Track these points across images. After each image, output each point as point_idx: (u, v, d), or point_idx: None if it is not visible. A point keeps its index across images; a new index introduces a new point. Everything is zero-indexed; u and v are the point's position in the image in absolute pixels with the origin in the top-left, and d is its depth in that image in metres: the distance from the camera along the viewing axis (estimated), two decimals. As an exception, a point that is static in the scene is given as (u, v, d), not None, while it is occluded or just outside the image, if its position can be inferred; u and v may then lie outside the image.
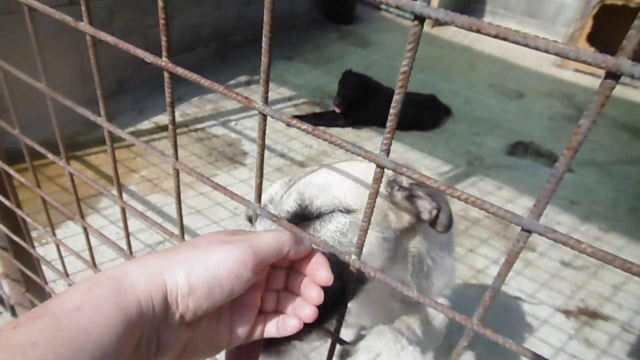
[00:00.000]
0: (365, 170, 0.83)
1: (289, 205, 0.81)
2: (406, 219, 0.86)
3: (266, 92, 0.46)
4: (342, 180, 0.83)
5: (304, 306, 0.57)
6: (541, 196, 0.36)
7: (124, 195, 2.74)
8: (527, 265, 2.72)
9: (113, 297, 0.44)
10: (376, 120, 3.78)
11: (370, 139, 3.74)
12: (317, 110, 3.98)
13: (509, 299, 2.48)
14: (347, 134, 3.73)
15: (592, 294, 2.59)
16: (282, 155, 3.36)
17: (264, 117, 0.48)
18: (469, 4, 6.64)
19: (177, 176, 0.63)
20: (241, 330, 0.56)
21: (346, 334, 1.23)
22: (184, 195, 2.81)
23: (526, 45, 0.31)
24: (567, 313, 2.45)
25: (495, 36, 0.31)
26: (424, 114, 3.91)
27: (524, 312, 2.42)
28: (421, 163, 3.52)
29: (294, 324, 0.56)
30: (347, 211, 0.79)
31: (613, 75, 0.30)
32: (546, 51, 0.31)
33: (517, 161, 3.72)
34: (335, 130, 3.73)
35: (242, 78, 4.24)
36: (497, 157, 3.74)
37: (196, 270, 0.49)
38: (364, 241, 0.50)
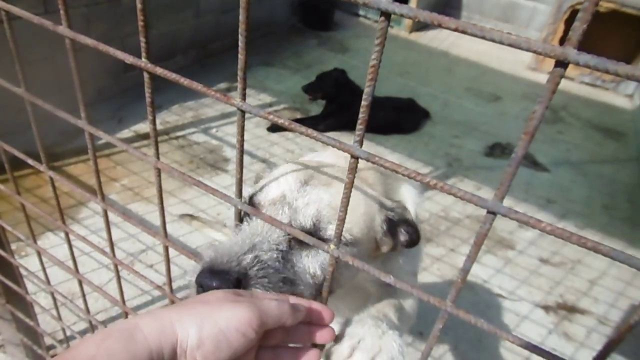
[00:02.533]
0: (364, 195, 0.86)
1: (305, 221, 0.79)
2: (385, 248, 0.91)
3: (244, 88, 0.48)
4: (355, 207, 0.83)
5: (307, 351, 0.61)
6: (503, 179, 0.39)
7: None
8: (507, 263, 2.78)
9: (125, 348, 0.47)
10: (356, 124, 3.82)
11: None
12: (298, 115, 4.00)
13: (490, 296, 2.53)
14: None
15: (569, 289, 2.66)
16: (264, 161, 3.37)
17: (242, 113, 0.50)
18: (445, 9, 6.77)
19: (159, 176, 0.64)
20: None
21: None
22: (166, 202, 2.79)
23: (483, 37, 0.34)
24: (546, 308, 2.51)
25: (455, 29, 0.34)
26: (403, 118, 3.97)
27: (504, 309, 2.47)
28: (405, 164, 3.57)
29: None
30: (350, 243, 0.81)
31: (561, 64, 0.33)
32: (500, 42, 0.33)
33: (495, 162, 3.80)
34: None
35: (222, 85, 4.25)
36: (476, 158, 3.82)
37: (207, 325, 0.51)
38: (342, 230, 0.52)
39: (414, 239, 0.91)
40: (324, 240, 0.74)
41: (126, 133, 3.38)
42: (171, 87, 3.96)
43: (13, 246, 2.28)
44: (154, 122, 0.58)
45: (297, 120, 3.84)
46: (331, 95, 3.79)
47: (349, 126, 3.88)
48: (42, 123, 0.66)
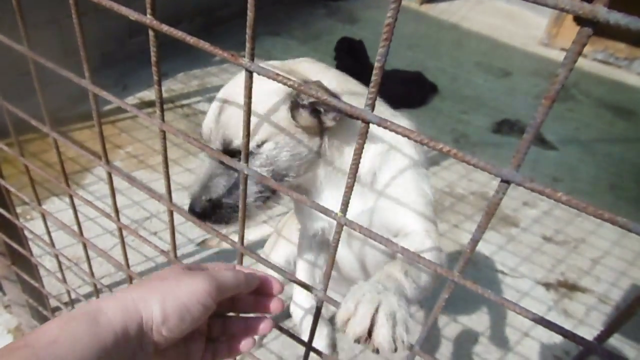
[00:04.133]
0: (261, 90, 0.91)
1: (217, 146, 0.98)
2: (313, 131, 0.99)
3: (252, 48, 0.46)
4: (253, 109, 0.88)
5: (260, 321, 0.66)
6: (520, 147, 0.38)
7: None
8: (509, 240, 2.78)
9: (89, 329, 0.48)
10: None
11: (358, 116, 3.75)
12: (305, 87, 3.95)
13: (492, 273, 2.54)
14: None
15: (571, 268, 2.66)
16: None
17: (250, 74, 0.48)
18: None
19: (164, 138, 0.63)
20: (196, 356, 0.63)
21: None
22: (170, 171, 2.79)
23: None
24: (547, 286, 2.52)
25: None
26: (410, 92, 3.91)
27: (506, 285, 2.48)
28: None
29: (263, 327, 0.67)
30: (262, 143, 0.95)
31: (590, 23, 0.31)
32: (526, -1, 0.31)
33: (503, 139, 3.76)
34: (322, 108, 3.73)
35: (229, 54, 4.19)
36: (483, 135, 3.78)
37: (169, 300, 0.54)
38: (350, 198, 0.51)
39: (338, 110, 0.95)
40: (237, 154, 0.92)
41: (131, 100, 3.36)
42: (177, 55, 3.91)
43: (18, 209, 2.30)
44: (159, 83, 0.56)
45: (303, 92, 3.80)
46: (345, 64, 3.72)
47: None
48: (47, 87, 0.65)
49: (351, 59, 3.64)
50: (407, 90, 3.89)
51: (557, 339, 2.24)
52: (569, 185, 3.34)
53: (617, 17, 0.30)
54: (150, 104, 3.35)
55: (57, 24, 3.05)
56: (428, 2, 6.35)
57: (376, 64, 0.40)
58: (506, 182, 0.40)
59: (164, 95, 3.45)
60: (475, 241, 0.45)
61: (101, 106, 3.15)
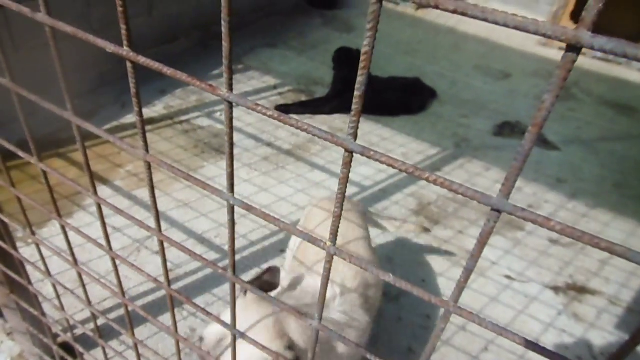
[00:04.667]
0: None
1: None
2: None
3: (230, 78, 0.45)
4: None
5: None
6: (509, 174, 0.36)
7: (110, 191, 2.71)
8: (516, 244, 2.75)
9: None
10: (363, 107, 3.76)
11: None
12: (303, 98, 3.95)
13: (499, 278, 2.50)
14: (334, 120, 3.71)
15: (580, 270, 2.63)
16: (269, 145, 3.33)
17: (230, 105, 0.47)
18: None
19: (149, 169, 0.62)
20: None
21: None
22: (171, 189, 2.79)
23: (485, 20, 0.30)
24: (556, 289, 2.49)
25: (454, 11, 0.30)
26: (409, 98, 3.90)
27: (514, 291, 2.45)
28: (409, 147, 3.52)
29: None
30: None
31: (574, 48, 0.29)
32: (505, 25, 0.30)
33: (505, 142, 3.74)
34: (322, 118, 3.71)
35: (226, 68, 4.19)
36: (485, 138, 3.75)
37: None
38: (338, 227, 0.49)
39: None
40: None
41: (130, 118, 3.36)
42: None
43: (19, 234, 2.30)
44: (140, 114, 0.55)
45: (301, 103, 3.79)
46: (341, 74, 3.71)
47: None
48: (46, 109, 0.63)
49: (349, 68, 3.64)
50: (406, 97, 3.88)
51: (569, 344, 2.20)
52: (573, 185, 3.31)
53: (601, 43, 0.28)
54: (150, 121, 3.35)
55: (50, 48, 3.06)
56: (424, 7, 6.35)
57: (356, 93, 0.39)
58: (497, 211, 0.38)
59: (163, 111, 3.46)
60: (469, 270, 0.43)
61: (100, 125, 3.15)
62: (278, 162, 3.17)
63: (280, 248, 2.48)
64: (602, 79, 5.06)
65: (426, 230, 2.41)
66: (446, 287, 2.40)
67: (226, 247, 2.46)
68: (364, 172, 3.16)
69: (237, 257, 2.38)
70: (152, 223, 2.40)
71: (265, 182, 2.96)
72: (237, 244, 2.49)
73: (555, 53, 5.49)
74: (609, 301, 2.46)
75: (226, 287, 2.24)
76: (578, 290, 2.51)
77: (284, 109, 3.69)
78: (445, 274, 2.49)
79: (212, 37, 4.51)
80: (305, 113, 3.72)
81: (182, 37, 4.24)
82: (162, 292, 2.18)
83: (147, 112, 3.45)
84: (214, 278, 2.28)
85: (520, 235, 2.82)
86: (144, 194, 2.73)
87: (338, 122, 3.70)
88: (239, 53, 4.46)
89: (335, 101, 3.73)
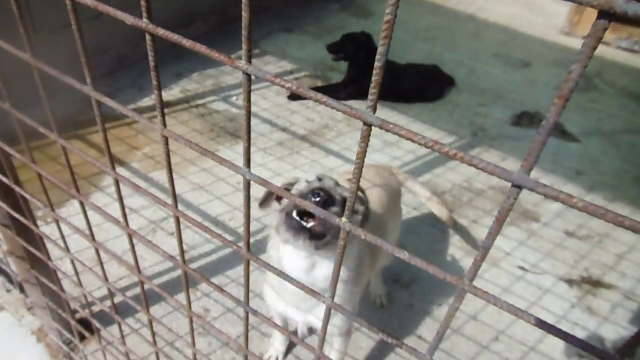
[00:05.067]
0: None
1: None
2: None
3: (249, 50, 0.44)
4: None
5: None
6: (531, 149, 0.35)
7: (126, 173, 2.75)
8: (530, 236, 2.72)
9: None
10: (379, 93, 3.73)
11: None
12: (319, 83, 3.93)
13: (513, 269, 2.48)
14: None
15: (595, 263, 2.59)
16: (284, 130, 3.33)
17: (248, 77, 0.46)
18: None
19: (166, 144, 0.62)
20: None
21: None
22: (186, 171, 2.81)
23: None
24: (570, 282, 2.46)
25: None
26: (426, 85, 3.85)
27: (527, 282, 2.42)
28: (425, 135, 3.47)
29: None
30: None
31: (606, 15, 0.28)
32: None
33: (522, 131, 3.68)
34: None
35: (242, 52, 4.18)
36: (502, 127, 3.70)
37: None
38: (354, 204, 0.49)
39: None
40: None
41: (147, 101, 3.38)
42: (191, 55, 3.92)
43: (39, 212, 2.35)
44: (159, 88, 0.55)
45: (317, 89, 3.77)
46: (354, 59, 3.67)
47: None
48: (65, 91, 0.64)
49: (356, 51, 3.60)
50: (423, 84, 3.83)
51: (581, 337, 2.18)
52: (592, 178, 3.25)
53: (636, 8, 0.27)
54: (166, 104, 3.37)
55: (72, 28, 3.08)
56: (444, -6, 6.24)
57: (376, 64, 0.38)
58: (517, 186, 0.37)
59: (179, 95, 3.47)
60: (486, 249, 0.42)
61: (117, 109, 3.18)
62: (293, 147, 3.17)
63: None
64: (626, 70, 4.93)
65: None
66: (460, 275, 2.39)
67: (240, 230, 2.48)
68: (378, 158, 3.14)
69: (251, 239, 2.40)
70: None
71: (280, 167, 2.96)
72: (251, 227, 2.51)
73: (577, 42, 5.36)
74: (624, 296, 2.42)
75: (239, 270, 2.26)
76: (593, 283, 2.47)
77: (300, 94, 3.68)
78: (459, 262, 2.48)
79: (229, 21, 4.50)
80: (320, 99, 3.70)
81: (200, 20, 4.23)
82: (176, 273, 2.21)
83: (164, 96, 3.46)
84: (227, 260, 2.31)
85: (535, 227, 2.79)
86: (159, 176, 2.76)
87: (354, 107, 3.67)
88: (255, 38, 4.44)
89: (351, 87, 3.70)
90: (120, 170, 2.75)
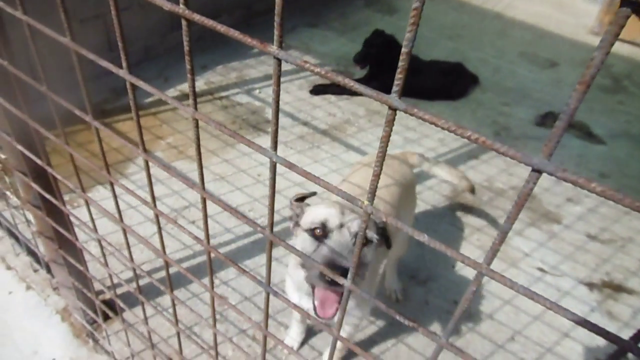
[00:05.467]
0: None
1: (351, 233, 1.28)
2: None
3: (280, 35, 0.46)
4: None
5: None
6: (552, 135, 0.36)
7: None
8: (551, 237, 2.68)
9: None
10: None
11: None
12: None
13: (532, 270, 2.46)
14: (372, 102, 3.69)
15: (618, 268, 2.55)
16: (305, 124, 3.36)
17: (279, 61, 0.48)
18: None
19: (197, 127, 0.64)
20: None
21: None
22: (208, 162, 2.86)
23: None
24: (590, 286, 2.42)
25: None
26: (450, 83, 3.82)
27: (545, 284, 2.40)
28: (447, 132, 3.47)
29: None
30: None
31: (629, 2, 0.29)
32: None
33: (546, 132, 3.62)
34: (360, 99, 3.70)
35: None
36: (526, 127, 3.65)
37: None
38: (376, 186, 0.50)
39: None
40: (368, 240, 1.32)
41: (172, 92, 3.45)
42: (216, 48, 3.97)
43: (66, 197, 2.42)
44: (192, 72, 0.57)
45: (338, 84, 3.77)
46: (378, 59, 3.67)
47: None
48: (93, 81, 0.68)
49: (378, 51, 3.61)
50: (446, 82, 3.80)
51: (600, 341, 2.15)
52: (617, 181, 3.19)
53: (658, -5, 0.28)
54: (190, 96, 3.43)
55: (102, 19, 3.17)
56: (470, -9, 6.16)
57: (403, 50, 0.40)
58: (537, 171, 0.38)
59: (204, 87, 3.53)
60: (504, 233, 0.44)
61: (142, 99, 3.26)
62: (314, 142, 3.19)
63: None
64: (657, 72, 4.80)
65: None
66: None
67: (259, 221, 2.51)
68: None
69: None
70: (190, 195, 2.47)
71: (300, 161, 2.99)
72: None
73: (607, 43, 5.24)
74: (647, 301, 2.38)
75: (257, 259, 2.30)
76: (614, 288, 2.43)
77: (322, 89, 3.69)
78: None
79: (254, 14, 4.54)
80: (343, 94, 3.72)
81: (225, 14, 4.28)
82: (196, 261, 2.26)
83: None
84: (246, 250, 2.34)
85: (556, 229, 2.75)
86: (183, 165, 2.82)
87: (376, 104, 3.68)
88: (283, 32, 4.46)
89: (373, 82, 3.70)
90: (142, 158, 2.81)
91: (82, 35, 3.01)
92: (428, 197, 2.84)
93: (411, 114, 0.42)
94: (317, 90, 3.69)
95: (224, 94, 3.54)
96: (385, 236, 1.40)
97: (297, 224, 1.41)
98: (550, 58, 4.78)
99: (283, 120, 3.37)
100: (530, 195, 0.40)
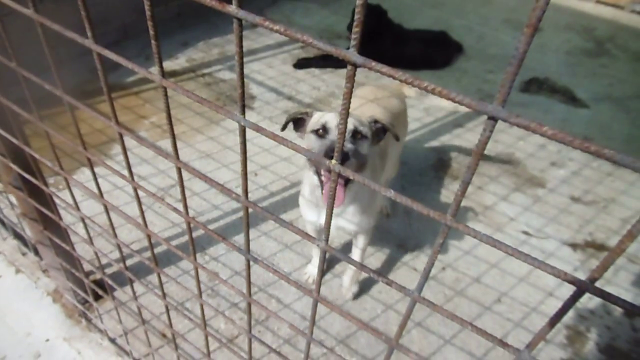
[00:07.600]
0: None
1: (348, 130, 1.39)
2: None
3: (238, -6, 0.46)
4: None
5: None
6: (503, 80, 0.37)
7: (134, 142, 2.78)
8: (535, 201, 2.73)
9: None
10: (384, 60, 3.69)
11: (380, 78, 3.66)
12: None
13: (517, 234, 2.51)
14: (357, 73, 3.66)
15: (600, 228, 2.60)
16: (290, 98, 3.33)
17: (239, 21, 0.48)
18: None
19: (166, 95, 0.64)
20: None
21: None
22: (194, 140, 2.84)
23: None
24: (574, 246, 2.48)
25: None
26: (434, 52, 3.80)
27: (530, 246, 2.45)
28: (432, 103, 3.46)
29: None
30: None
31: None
32: None
33: (531, 98, 3.64)
34: (344, 71, 3.67)
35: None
36: (511, 94, 3.65)
37: None
38: (343, 145, 0.51)
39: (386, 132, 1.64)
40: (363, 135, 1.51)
41: (153, 70, 3.38)
42: (197, 24, 3.90)
43: (51, 180, 2.41)
44: (156, 38, 0.57)
45: (323, 57, 3.74)
46: (366, 28, 3.63)
47: (378, 62, 3.76)
48: (73, 60, 0.66)
49: (366, 19, 3.56)
50: (430, 51, 3.78)
51: (583, 299, 2.21)
52: (600, 144, 3.21)
53: None
54: (173, 73, 3.38)
55: (77, -3, 3.08)
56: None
57: (358, 1, 0.40)
58: (492, 118, 0.39)
59: (185, 64, 3.47)
60: (465, 183, 0.45)
61: (124, 78, 3.20)
62: (299, 116, 3.17)
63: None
64: (639, 35, 4.81)
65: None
66: (463, 240, 2.42)
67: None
68: (385, 127, 3.14)
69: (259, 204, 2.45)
70: (174, 174, 2.47)
71: (286, 135, 2.97)
72: (257, 194, 2.55)
73: (590, 7, 5.22)
74: (628, 259, 2.45)
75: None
76: (597, 247, 2.49)
77: (305, 62, 3.66)
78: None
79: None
80: (326, 67, 3.68)
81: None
82: (183, 239, 2.27)
83: (170, 65, 3.47)
84: (234, 226, 2.36)
85: (540, 193, 2.79)
86: (167, 144, 2.79)
87: (360, 75, 3.65)
88: (261, 6, 4.39)
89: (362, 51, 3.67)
90: (127, 139, 2.79)
91: (58, 15, 2.93)
92: (415, 166, 2.86)
93: (369, 68, 0.42)
94: (300, 64, 3.65)
95: (206, 70, 3.49)
96: (384, 130, 1.62)
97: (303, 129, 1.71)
98: (534, 23, 4.75)
99: (267, 95, 3.34)
100: (487, 143, 0.41)
